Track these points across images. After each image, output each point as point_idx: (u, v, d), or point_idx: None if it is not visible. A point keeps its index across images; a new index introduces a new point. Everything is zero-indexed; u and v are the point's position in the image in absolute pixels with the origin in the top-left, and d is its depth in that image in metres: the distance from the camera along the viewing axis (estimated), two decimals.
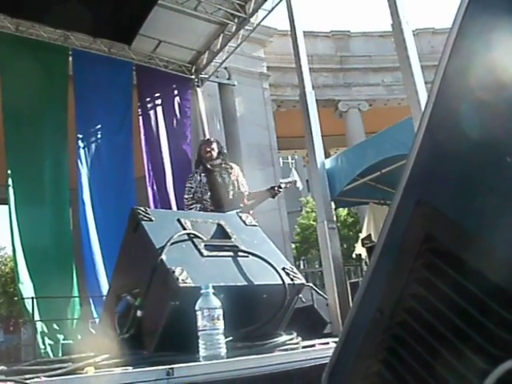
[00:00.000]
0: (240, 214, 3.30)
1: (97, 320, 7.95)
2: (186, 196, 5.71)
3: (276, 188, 5.75)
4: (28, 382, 1.72)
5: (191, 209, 5.52)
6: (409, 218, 0.90)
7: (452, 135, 0.85)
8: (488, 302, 0.78)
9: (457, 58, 0.86)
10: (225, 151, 6.24)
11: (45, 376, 1.90)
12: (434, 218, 0.86)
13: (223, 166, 5.78)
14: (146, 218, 2.75)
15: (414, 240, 0.89)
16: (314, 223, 19.34)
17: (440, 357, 0.85)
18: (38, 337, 7.46)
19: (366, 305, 0.99)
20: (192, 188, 5.68)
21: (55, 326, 7.64)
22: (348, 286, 7.38)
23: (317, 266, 17.64)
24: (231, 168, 5.82)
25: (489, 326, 0.78)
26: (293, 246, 21.40)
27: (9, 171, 7.76)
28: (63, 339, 7.51)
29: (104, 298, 7.75)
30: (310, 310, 5.68)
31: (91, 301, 8.01)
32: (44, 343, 7.41)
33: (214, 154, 5.78)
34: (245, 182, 5.89)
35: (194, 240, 2.76)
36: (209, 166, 5.70)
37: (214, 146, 5.85)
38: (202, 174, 5.68)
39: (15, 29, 8.06)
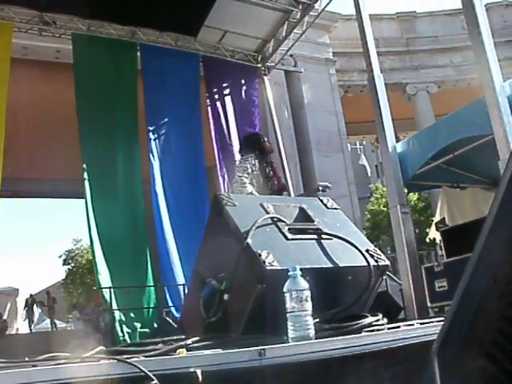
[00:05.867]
0: (321, 198, 3.30)
1: (172, 309, 8.11)
2: (240, 174, 5.61)
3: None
4: (129, 360, 1.78)
5: (244, 187, 5.46)
6: None
7: None
8: None
9: None
10: None
11: (143, 356, 1.97)
12: None
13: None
14: (229, 203, 2.78)
15: None
16: (385, 209, 19.04)
17: None
18: (117, 325, 7.63)
19: (479, 273, 0.98)
20: (248, 169, 5.64)
21: (132, 315, 7.82)
22: (422, 270, 7.26)
23: (388, 252, 17.38)
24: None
25: None
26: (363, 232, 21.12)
27: (84, 166, 7.97)
28: (140, 327, 7.69)
29: (179, 286, 7.94)
30: (383, 295, 5.63)
31: (166, 290, 8.15)
32: (122, 331, 7.58)
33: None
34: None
35: (278, 224, 2.78)
36: (268, 159, 5.99)
37: None
38: (256, 160, 5.75)
39: (87, 29, 8.32)
